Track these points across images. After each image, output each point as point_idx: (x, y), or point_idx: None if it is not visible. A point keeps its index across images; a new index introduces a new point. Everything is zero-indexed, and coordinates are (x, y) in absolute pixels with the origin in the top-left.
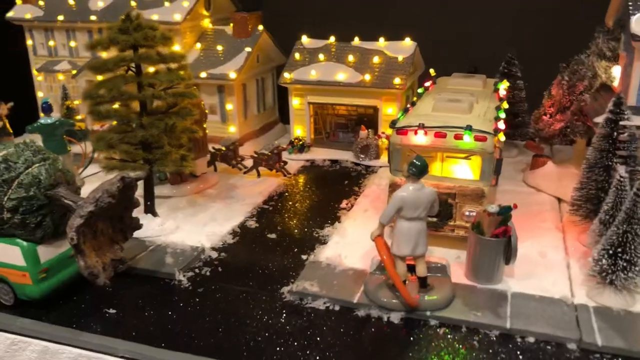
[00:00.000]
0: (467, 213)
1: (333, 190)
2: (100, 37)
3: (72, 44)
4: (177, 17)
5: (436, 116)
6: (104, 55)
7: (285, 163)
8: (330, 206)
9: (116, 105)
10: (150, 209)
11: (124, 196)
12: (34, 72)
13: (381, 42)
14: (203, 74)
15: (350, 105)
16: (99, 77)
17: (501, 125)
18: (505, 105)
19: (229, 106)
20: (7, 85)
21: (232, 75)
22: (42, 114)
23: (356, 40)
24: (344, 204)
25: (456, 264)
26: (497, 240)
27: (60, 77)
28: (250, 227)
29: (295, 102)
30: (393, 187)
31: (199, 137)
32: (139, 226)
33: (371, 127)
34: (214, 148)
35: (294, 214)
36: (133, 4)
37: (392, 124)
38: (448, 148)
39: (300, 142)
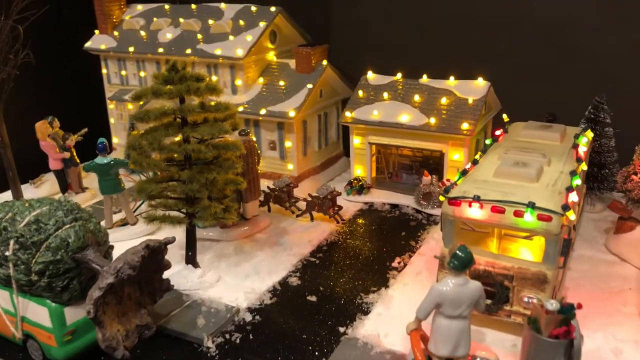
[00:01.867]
0: (526, 299)
1: (388, 242)
2: (143, 88)
3: (142, 74)
4: (240, 52)
5: (497, 184)
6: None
7: (340, 208)
8: (381, 263)
9: (158, 155)
10: (191, 260)
11: (153, 260)
12: (108, 100)
13: (451, 81)
14: (262, 111)
15: (416, 148)
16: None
17: (573, 197)
18: (584, 167)
19: (288, 143)
20: (84, 112)
21: (292, 113)
22: (98, 153)
23: (424, 78)
24: (396, 263)
25: (511, 355)
26: (556, 342)
27: (130, 105)
28: (291, 285)
29: (356, 141)
30: (445, 260)
31: (243, 187)
32: (170, 287)
33: (436, 173)
34: (268, 188)
35: (340, 271)
36: (199, 37)
37: (445, 192)
38: (506, 225)
39: (360, 183)
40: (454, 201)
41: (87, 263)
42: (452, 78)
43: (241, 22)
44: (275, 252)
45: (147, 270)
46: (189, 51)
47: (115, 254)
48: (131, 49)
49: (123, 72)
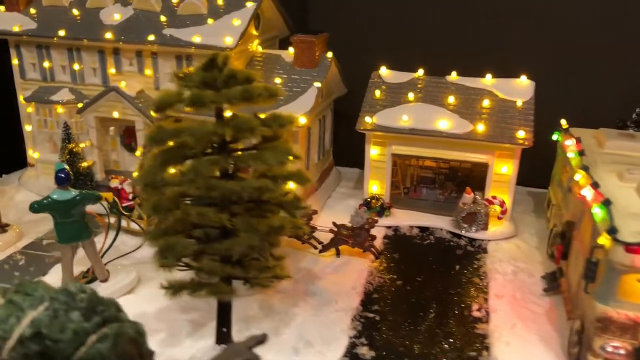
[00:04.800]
0: None
1: (446, 280)
2: (168, 93)
3: (76, 66)
4: (229, 40)
5: None
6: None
7: (374, 238)
8: (458, 313)
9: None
10: (225, 338)
11: None
12: (21, 100)
13: (488, 80)
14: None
15: (453, 160)
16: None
17: None
18: None
19: None
20: None
21: (302, 120)
22: (55, 185)
23: (453, 75)
24: (477, 312)
25: None
26: None
27: (60, 110)
28: (364, 359)
29: (373, 151)
30: (604, 322)
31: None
32: None
33: (465, 186)
34: None
35: (414, 329)
36: (163, 19)
37: (612, 232)
38: None
39: (379, 203)
40: (636, 248)
41: None
42: (489, 76)
43: (219, 1)
44: (316, 308)
45: None
46: (151, 37)
47: None
48: (61, 32)
49: (46, 64)
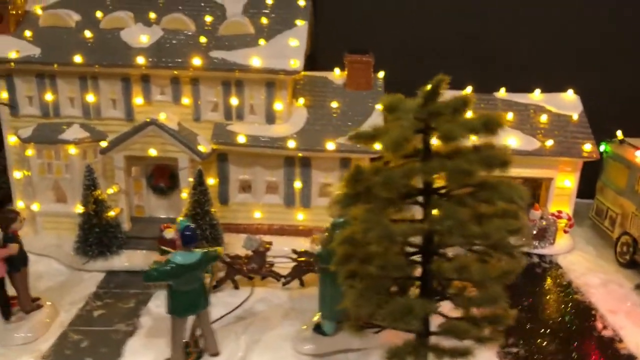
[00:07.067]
0: None
1: (547, 301)
2: (402, 127)
3: (90, 98)
4: (295, 63)
5: None
6: None
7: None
8: (586, 334)
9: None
10: None
11: None
12: (10, 142)
13: (536, 95)
14: (330, 145)
15: (519, 177)
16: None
17: None
18: None
19: None
20: None
21: (378, 146)
22: (178, 248)
23: (502, 92)
24: (603, 330)
25: None
26: None
27: (72, 150)
28: None
29: None
30: None
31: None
32: None
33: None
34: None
35: (560, 357)
36: (203, 40)
37: None
38: None
39: None
40: None
41: None
42: (537, 91)
43: (263, 20)
44: None
45: None
46: (197, 61)
47: None
48: (77, 58)
49: (49, 96)
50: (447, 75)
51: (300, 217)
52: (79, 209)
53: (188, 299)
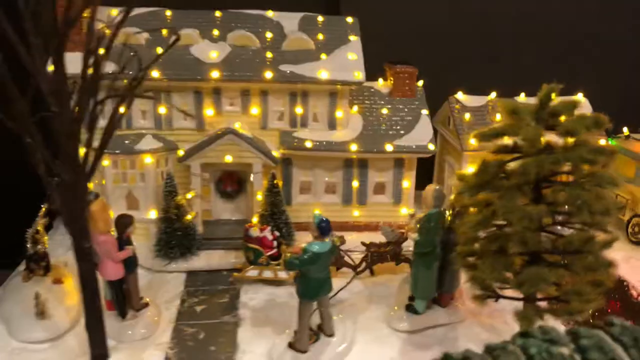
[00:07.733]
0: None
1: None
2: (492, 128)
3: (162, 110)
4: (359, 74)
5: None
6: None
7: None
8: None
9: None
10: None
11: None
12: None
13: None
14: (388, 147)
15: None
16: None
17: None
18: None
19: (406, 183)
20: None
21: (431, 147)
22: (314, 238)
23: (522, 96)
24: None
25: None
26: None
27: (148, 159)
28: None
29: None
30: None
31: None
32: None
33: None
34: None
35: None
36: (269, 55)
37: None
38: None
39: None
40: None
41: None
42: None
43: (319, 36)
44: None
45: None
46: (268, 74)
47: None
48: (154, 73)
49: (121, 110)
50: (558, 84)
51: (355, 213)
52: (159, 214)
53: (318, 284)
